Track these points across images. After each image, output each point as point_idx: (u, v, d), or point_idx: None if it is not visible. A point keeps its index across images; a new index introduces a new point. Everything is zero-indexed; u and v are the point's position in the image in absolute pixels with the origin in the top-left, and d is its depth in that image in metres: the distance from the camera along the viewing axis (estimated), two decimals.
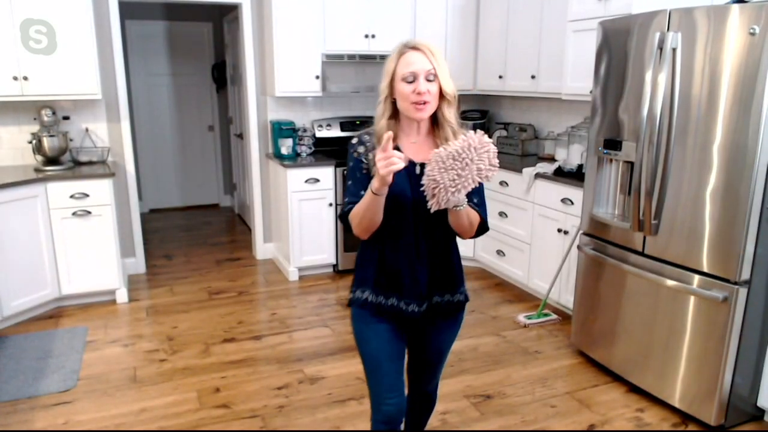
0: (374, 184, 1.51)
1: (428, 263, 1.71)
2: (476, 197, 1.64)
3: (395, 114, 1.67)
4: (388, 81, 1.63)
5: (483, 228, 1.67)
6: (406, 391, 1.84)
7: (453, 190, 1.42)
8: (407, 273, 1.70)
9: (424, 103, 1.58)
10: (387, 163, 1.43)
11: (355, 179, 1.68)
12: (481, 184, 1.55)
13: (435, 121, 1.67)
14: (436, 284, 1.74)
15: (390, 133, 1.44)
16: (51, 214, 3.62)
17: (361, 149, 1.68)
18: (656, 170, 2.58)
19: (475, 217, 1.62)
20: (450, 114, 1.64)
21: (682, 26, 2.43)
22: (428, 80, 1.58)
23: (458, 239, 1.76)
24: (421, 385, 1.95)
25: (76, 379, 2.93)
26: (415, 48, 1.59)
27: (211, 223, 6.23)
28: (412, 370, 1.92)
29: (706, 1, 2.62)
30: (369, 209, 1.57)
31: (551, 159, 4.21)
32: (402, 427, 1.84)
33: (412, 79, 1.57)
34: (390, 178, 1.46)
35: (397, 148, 1.60)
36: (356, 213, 1.61)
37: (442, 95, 1.61)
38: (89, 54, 3.78)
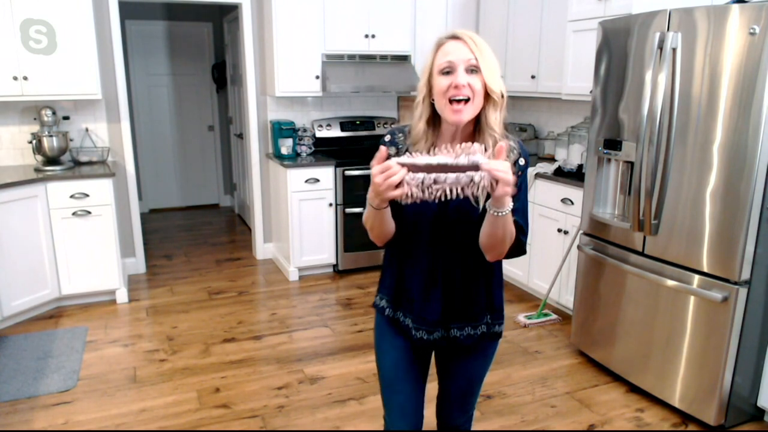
0: (372, 198, 1.31)
1: (444, 289, 1.50)
2: (516, 215, 1.37)
3: (435, 118, 1.42)
4: (426, 78, 1.39)
5: (519, 248, 1.41)
6: (424, 411, 1.70)
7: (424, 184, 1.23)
8: (419, 296, 1.51)
9: (465, 101, 1.32)
10: (386, 176, 1.22)
11: None
12: (524, 193, 1.41)
13: (477, 125, 1.40)
14: (453, 314, 1.52)
15: (383, 150, 1.26)
16: (51, 214, 3.62)
17: (392, 151, 1.44)
18: (656, 170, 2.58)
19: (511, 231, 1.35)
20: (494, 119, 1.37)
21: (682, 26, 2.43)
22: (469, 73, 1.33)
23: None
24: (448, 420, 1.73)
25: (76, 379, 2.93)
26: (454, 37, 1.36)
27: (211, 223, 6.23)
28: (439, 401, 1.74)
29: (706, 1, 2.62)
30: (374, 221, 1.42)
31: (551, 159, 4.20)
32: None
33: (450, 69, 1.33)
34: (389, 196, 1.25)
35: None
36: (365, 220, 1.46)
37: (487, 95, 1.36)
38: (89, 54, 3.78)
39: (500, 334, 1.59)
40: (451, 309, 1.52)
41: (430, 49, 1.41)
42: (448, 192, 1.23)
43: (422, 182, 1.22)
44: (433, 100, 1.39)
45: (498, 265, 1.54)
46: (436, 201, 1.25)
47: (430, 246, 1.47)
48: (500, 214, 1.28)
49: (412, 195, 1.24)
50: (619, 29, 2.76)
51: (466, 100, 1.33)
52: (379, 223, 1.41)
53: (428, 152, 1.30)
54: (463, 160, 1.21)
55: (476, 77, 1.33)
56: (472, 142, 1.26)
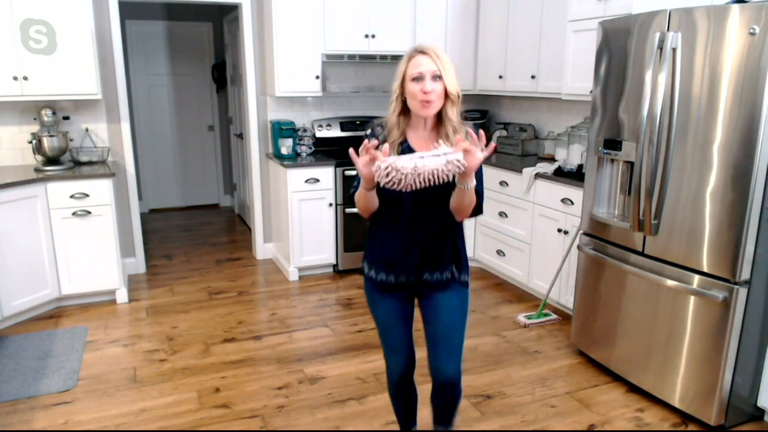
0: (363, 178, 1.73)
1: (420, 246, 1.89)
2: (476, 184, 1.78)
3: (405, 111, 1.84)
4: (399, 81, 1.81)
5: (477, 210, 1.85)
6: (416, 352, 2.08)
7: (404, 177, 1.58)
8: (401, 253, 1.91)
9: (430, 102, 1.75)
10: (366, 161, 1.66)
11: None
12: (480, 170, 1.79)
13: (440, 117, 1.83)
14: (426, 264, 1.92)
15: (366, 143, 1.65)
16: (51, 214, 3.62)
17: (372, 141, 1.79)
18: (656, 170, 2.58)
19: (474, 198, 1.79)
20: (452, 112, 1.81)
21: (682, 26, 2.43)
22: (434, 80, 1.75)
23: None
24: (440, 368, 1.99)
25: (76, 379, 2.93)
26: (423, 52, 1.78)
27: (211, 223, 6.23)
28: (430, 351, 2.02)
29: (706, 1, 2.62)
30: (363, 198, 1.81)
31: (551, 159, 4.21)
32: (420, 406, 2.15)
33: (420, 77, 1.75)
34: (369, 175, 1.67)
35: (405, 141, 1.84)
36: (357, 198, 1.85)
37: (447, 95, 1.78)
38: (89, 54, 3.78)
39: (467, 283, 1.99)
40: (424, 260, 1.91)
41: (403, 58, 1.83)
42: (430, 175, 1.57)
43: (414, 168, 1.56)
44: (404, 98, 1.81)
45: (461, 225, 1.94)
46: (425, 185, 1.60)
47: (411, 213, 1.86)
48: (467, 188, 1.72)
49: (401, 182, 1.57)
50: (619, 29, 2.76)
51: (432, 100, 1.76)
52: (367, 200, 1.82)
53: (400, 147, 1.82)
54: (435, 152, 1.59)
55: (439, 83, 1.76)
56: (438, 140, 1.72)
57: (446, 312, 1.97)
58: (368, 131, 1.91)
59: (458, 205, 1.79)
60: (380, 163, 1.58)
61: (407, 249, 1.89)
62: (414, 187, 1.59)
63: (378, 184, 1.66)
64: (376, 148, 1.67)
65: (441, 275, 1.93)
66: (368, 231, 1.99)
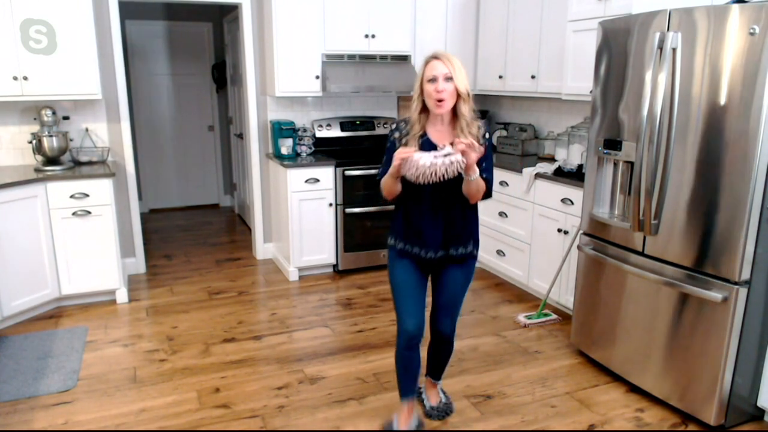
0: (392, 170, 2.10)
1: (443, 225, 2.25)
2: (485, 173, 2.16)
3: (425, 109, 2.18)
4: (419, 84, 2.16)
5: (488, 193, 2.21)
6: (426, 318, 2.35)
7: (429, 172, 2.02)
8: (428, 231, 2.25)
9: (442, 100, 2.09)
10: (400, 158, 2.05)
11: (389, 156, 2.21)
12: (489, 158, 2.21)
13: (455, 113, 2.16)
14: (448, 240, 2.27)
15: (400, 152, 2.05)
16: (51, 214, 3.62)
17: (396, 135, 2.25)
18: (656, 170, 2.58)
19: (481, 185, 2.16)
20: (464, 109, 2.14)
21: (682, 26, 2.43)
22: (446, 81, 2.08)
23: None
24: (440, 327, 2.41)
25: (76, 379, 2.93)
26: (436, 57, 2.12)
27: (211, 223, 6.23)
28: (433, 312, 2.42)
29: (706, 1, 2.62)
30: (389, 183, 2.19)
31: (551, 159, 4.21)
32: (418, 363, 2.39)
33: (434, 79, 2.09)
34: (398, 171, 2.07)
35: (425, 134, 2.19)
36: (383, 182, 2.23)
37: (459, 94, 2.11)
38: (89, 54, 3.78)
39: (476, 256, 2.39)
40: (447, 237, 2.27)
41: (421, 64, 2.16)
42: (441, 172, 2.00)
43: (429, 167, 1.99)
44: (424, 98, 2.15)
45: (476, 207, 2.31)
46: (439, 179, 2.02)
47: (433, 197, 2.21)
48: (471, 179, 2.10)
49: (418, 177, 2.03)
50: (619, 29, 2.76)
51: (444, 99, 2.10)
52: (392, 185, 2.19)
53: (420, 139, 2.21)
54: (444, 152, 2.01)
55: (451, 83, 2.09)
56: (445, 143, 2.08)
57: (453, 286, 2.36)
58: (393, 126, 2.28)
59: (468, 191, 2.16)
60: (407, 160, 2.02)
61: (433, 228, 2.24)
62: (430, 181, 2.03)
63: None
64: (400, 140, 2.19)
65: (465, 249, 2.31)
66: (394, 211, 2.36)
